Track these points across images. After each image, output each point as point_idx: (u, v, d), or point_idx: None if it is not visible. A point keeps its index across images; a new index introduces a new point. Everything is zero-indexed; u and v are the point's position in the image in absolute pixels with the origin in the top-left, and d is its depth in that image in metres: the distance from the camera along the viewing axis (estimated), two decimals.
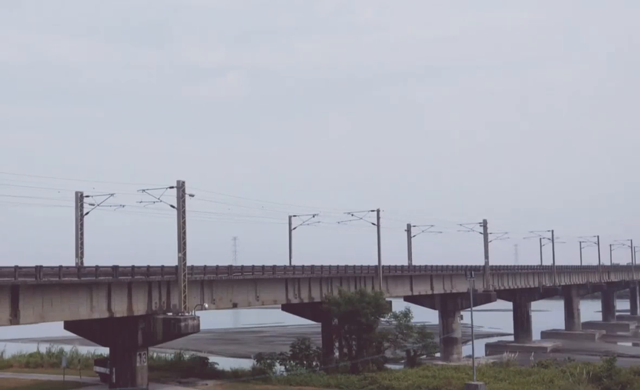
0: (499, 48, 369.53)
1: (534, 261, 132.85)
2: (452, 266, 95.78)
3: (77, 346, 79.16)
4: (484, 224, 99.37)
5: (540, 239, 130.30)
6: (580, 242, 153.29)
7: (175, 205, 55.49)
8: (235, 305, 63.98)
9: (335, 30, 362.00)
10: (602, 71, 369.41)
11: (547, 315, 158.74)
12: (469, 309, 65.59)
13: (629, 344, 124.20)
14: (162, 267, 55.40)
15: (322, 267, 72.03)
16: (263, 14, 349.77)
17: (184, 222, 55.39)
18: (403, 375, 60.78)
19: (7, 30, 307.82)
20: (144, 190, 55.46)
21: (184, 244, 55.10)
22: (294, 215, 79.34)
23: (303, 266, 70.60)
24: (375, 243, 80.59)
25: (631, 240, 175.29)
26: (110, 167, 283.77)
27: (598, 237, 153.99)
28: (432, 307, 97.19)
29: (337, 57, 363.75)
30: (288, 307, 75.03)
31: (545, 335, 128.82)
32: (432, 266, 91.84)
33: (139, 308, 54.05)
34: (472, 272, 74.24)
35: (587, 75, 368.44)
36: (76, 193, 58.78)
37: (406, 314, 74.91)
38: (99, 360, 61.60)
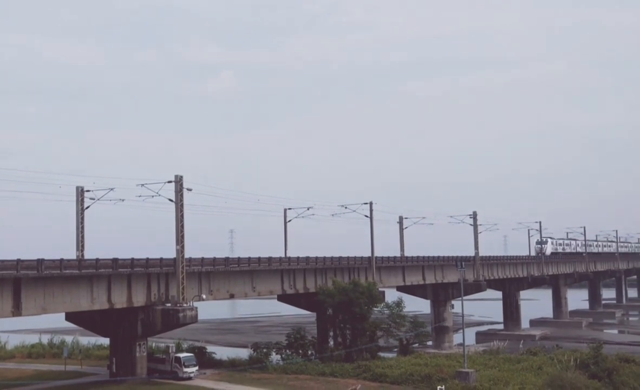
0: (490, 46, 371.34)
1: (523, 252, 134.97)
2: (443, 257, 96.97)
3: (78, 337, 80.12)
4: (474, 216, 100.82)
5: (529, 230, 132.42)
6: (567, 233, 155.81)
7: (174, 199, 56.63)
8: (232, 296, 65.20)
9: (326, 29, 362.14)
10: (585, 67, 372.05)
11: (535, 304, 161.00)
12: (460, 298, 66.55)
13: (615, 331, 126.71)
14: (161, 259, 56.58)
15: (316, 258, 73.27)
16: (254, 13, 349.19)
17: (182, 216, 56.56)
18: (396, 363, 61.86)
19: (7, 32, 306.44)
20: (143, 185, 56.46)
21: (182, 236, 56.30)
22: (289, 208, 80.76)
23: (298, 257, 71.84)
24: (368, 235, 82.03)
25: (616, 231, 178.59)
26: (109, 162, 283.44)
27: (584, 227, 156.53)
28: (424, 296, 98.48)
29: (328, 54, 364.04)
30: (284, 298, 76.23)
31: (534, 323, 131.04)
32: (423, 257, 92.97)
33: (139, 299, 55.24)
34: (463, 263, 75.50)
35: (567, 71, 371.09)
36: (77, 188, 59.86)
37: (399, 304, 76.05)
38: None
